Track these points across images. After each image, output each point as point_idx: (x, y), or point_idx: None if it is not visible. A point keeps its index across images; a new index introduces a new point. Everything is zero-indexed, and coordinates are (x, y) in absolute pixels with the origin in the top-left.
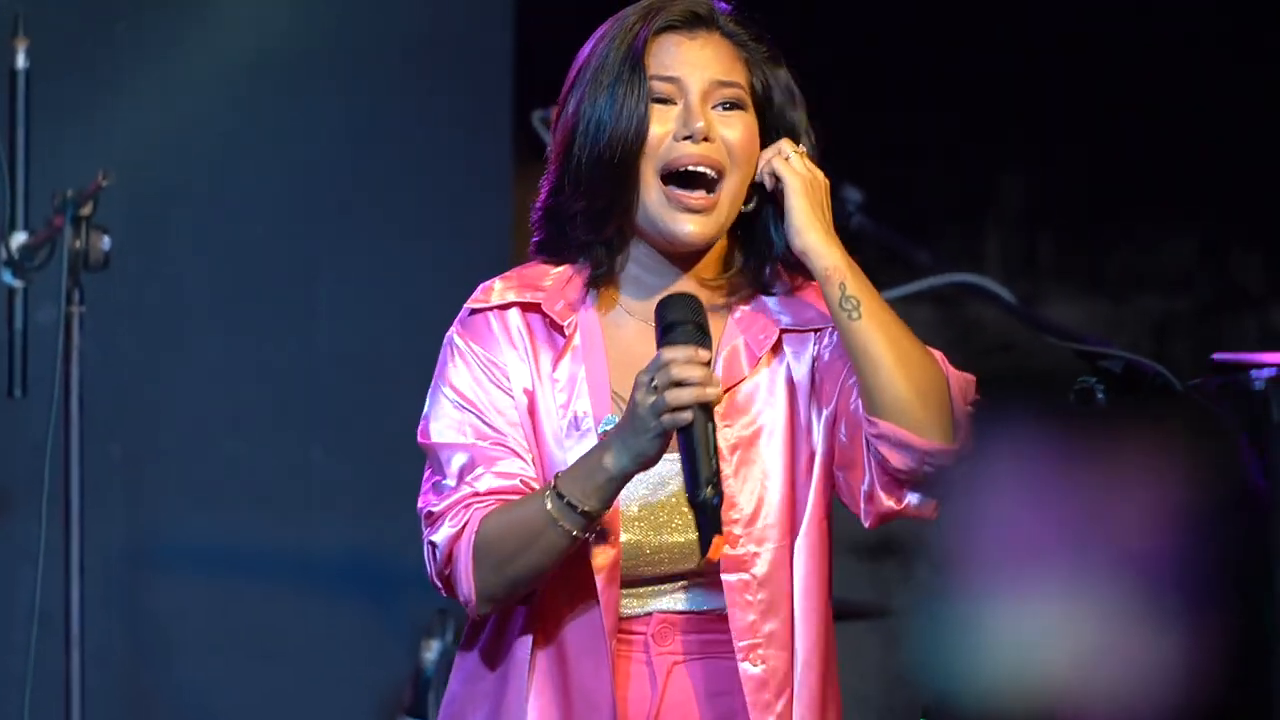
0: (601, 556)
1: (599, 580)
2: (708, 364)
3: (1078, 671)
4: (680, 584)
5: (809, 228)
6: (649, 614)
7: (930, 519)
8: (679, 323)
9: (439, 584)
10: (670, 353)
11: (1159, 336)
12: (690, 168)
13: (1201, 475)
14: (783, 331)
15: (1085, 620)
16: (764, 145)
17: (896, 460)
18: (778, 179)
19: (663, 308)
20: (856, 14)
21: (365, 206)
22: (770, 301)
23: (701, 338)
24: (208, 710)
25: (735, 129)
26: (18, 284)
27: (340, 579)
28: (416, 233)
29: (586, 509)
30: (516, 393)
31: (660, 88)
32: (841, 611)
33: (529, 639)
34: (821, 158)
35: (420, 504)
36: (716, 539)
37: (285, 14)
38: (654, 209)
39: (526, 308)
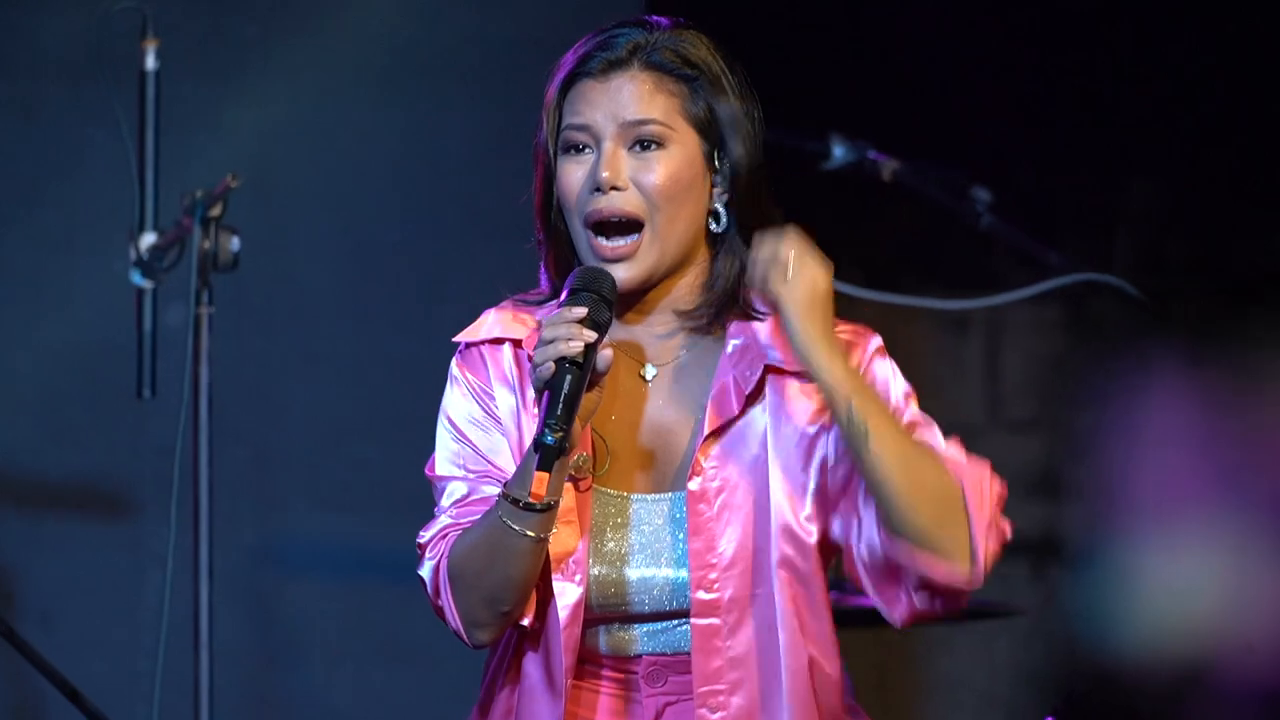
0: (566, 595)
1: (562, 617)
2: (582, 321)
3: (1232, 612)
4: (670, 625)
5: (810, 347)
6: (638, 656)
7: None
8: (573, 289)
9: (446, 623)
10: (549, 318)
11: None
12: (603, 220)
13: None
14: (768, 369)
15: (1240, 567)
16: (717, 161)
17: (917, 593)
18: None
19: (570, 277)
20: (988, 20)
21: (495, 206)
22: (760, 330)
23: (586, 300)
24: (336, 713)
25: (653, 171)
26: (147, 285)
27: None
28: None
29: (528, 502)
30: (507, 425)
31: (573, 136)
32: (971, 611)
33: (500, 674)
34: (944, 167)
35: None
36: (538, 474)
37: (416, 16)
38: (585, 258)
39: (514, 344)
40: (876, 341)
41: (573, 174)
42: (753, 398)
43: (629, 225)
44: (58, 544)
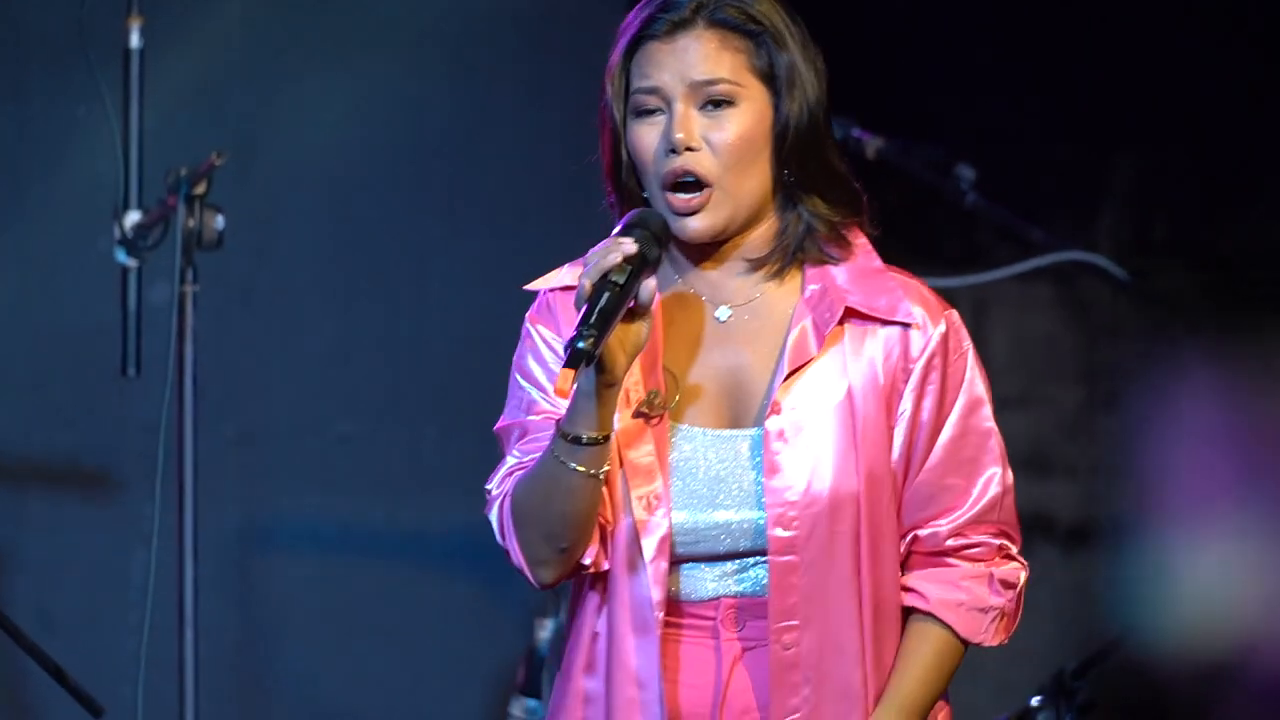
0: (651, 530)
1: (648, 553)
2: (628, 255)
3: (1266, 610)
4: (746, 565)
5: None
6: (717, 599)
7: None
8: (626, 225)
9: (512, 562)
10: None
11: (1276, 313)
12: (677, 180)
13: None
14: (848, 310)
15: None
16: (783, 117)
17: None
18: None
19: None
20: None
21: (479, 188)
22: (837, 273)
23: (637, 234)
24: (321, 691)
25: (723, 129)
26: (131, 263)
27: (454, 559)
28: (530, 215)
29: (578, 434)
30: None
31: (643, 100)
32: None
33: (587, 616)
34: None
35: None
36: (564, 371)
37: None
38: (666, 214)
39: None
40: (958, 326)
41: (646, 136)
42: (832, 339)
43: (699, 185)
44: (43, 522)
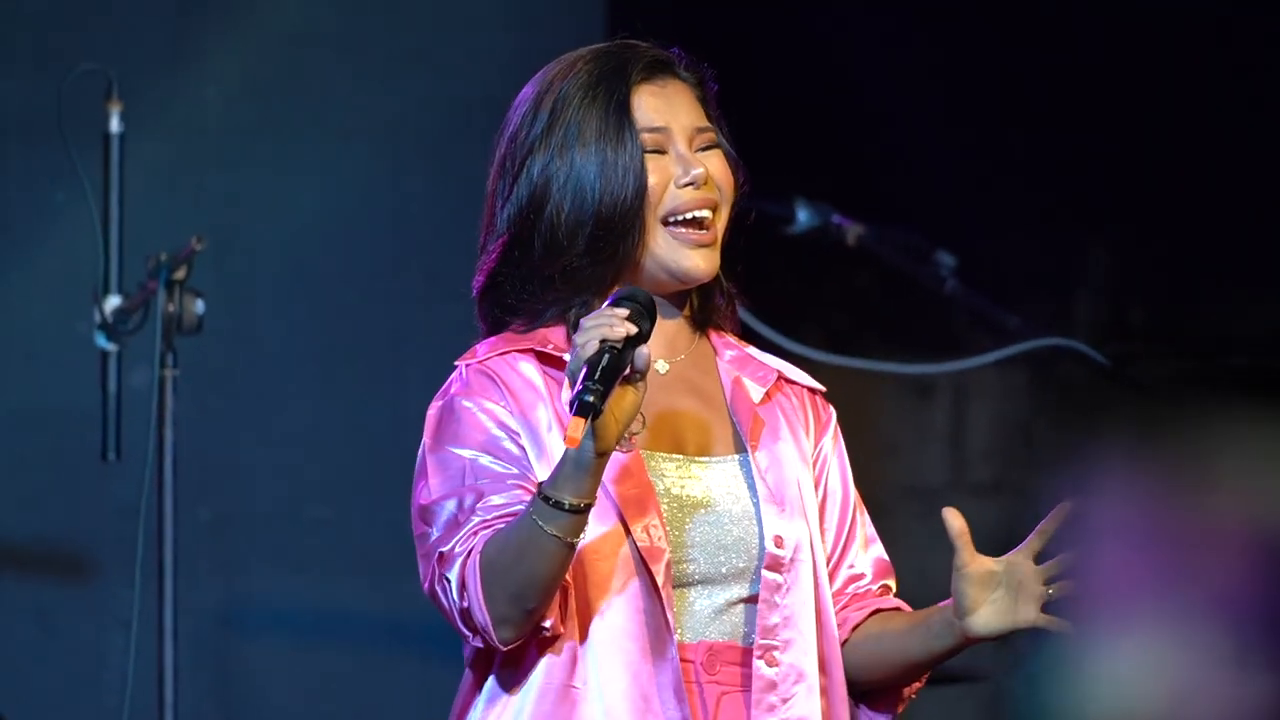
0: (654, 556)
1: (659, 578)
2: (625, 319)
3: (1173, 711)
4: (728, 612)
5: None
6: (698, 642)
7: None
8: (614, 300)
9: (461, 627)
10: (589, 316)
11: (1251, 396)
12: (695, 214)
13: None
14: (781, 378)
15: (1182, 663)
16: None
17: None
18: None
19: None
20: (952, 87)
21: (456, 269)
22: (752, 350)
23: (628, 305)
24: None
25: (719, 168)
26: (112, 347)
27: (430, 643)
28: None
29: (560, 501)
30: (542, 433)
31: (651, 139)
32: (936, 677)
33: (551, 676)
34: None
35: (427, 569)
36: (575, 420)
37: (378, 78)
38: (663, 253)
39: (523, 354)
40: (834, 415)
41: (654, 174)
42: (768, 395)
43: (701, 222)
44: (21, 607)
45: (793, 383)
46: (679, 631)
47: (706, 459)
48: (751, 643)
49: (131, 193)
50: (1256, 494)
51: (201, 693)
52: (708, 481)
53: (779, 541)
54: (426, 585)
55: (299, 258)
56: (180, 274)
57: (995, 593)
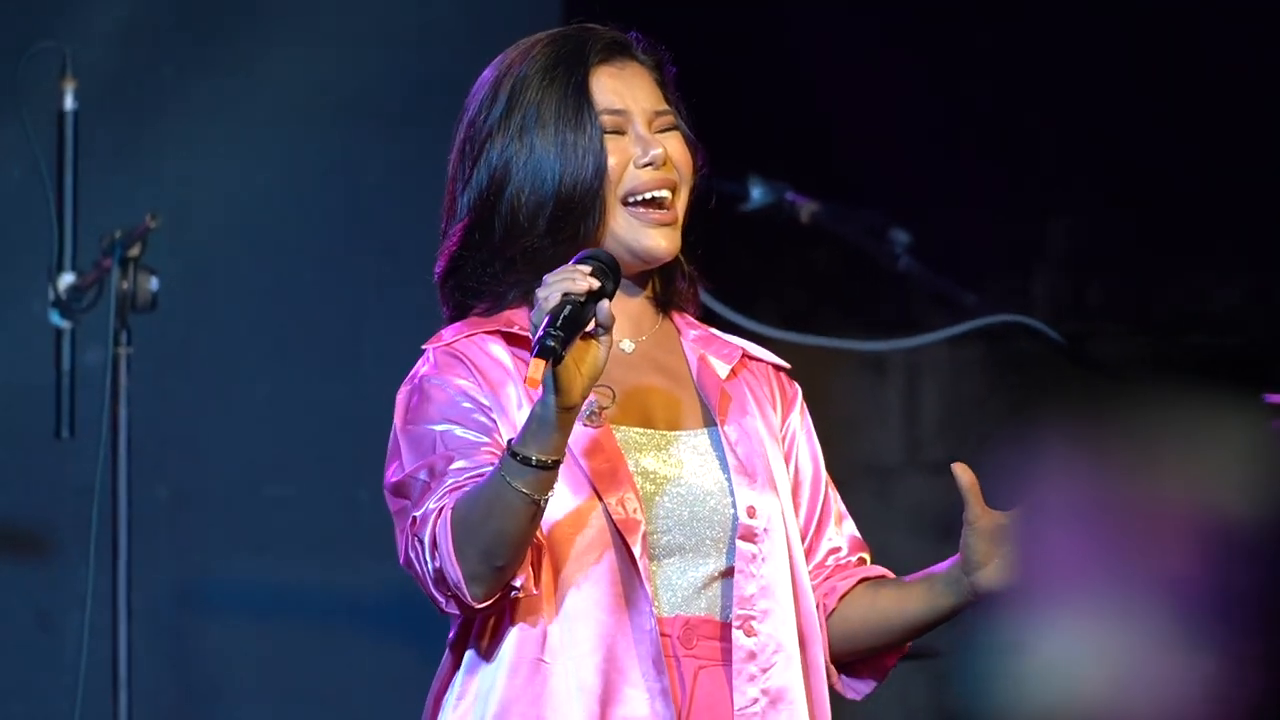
0: (630, 529)
1: (636, 552)
2: (589, 275)
3: (1114, 694)
4: (706, 586)
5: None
6: (674, 616)
7: None
8: (583, 257)
9: (435, 592)
10: (552, 273)
11: (1207, 376)
12: (654, 193)
13: (1248, 496)
14: (745, 356)
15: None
16: None
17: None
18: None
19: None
20: (907, 57)
21: (412, 249)
22: (715, 331)
23: (591, 263)
24: None
25: (678, 149)
26: (66, 325)
27: (388, 622)
28: None
29: (527, 456)
30: (511, 410)
31: (610, 120)
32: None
33: (522, 649)
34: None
35: (402, 539)
36: (535, 361)
37: (333, 57)
38: (624, 233)
39: (490, 335)
40: (799, 392)
41: (613, 155)
42: (734, 371)
43: (660, 201)
44: None
45: (757, 360)
46: (656, 606)
47: (676, 433)
48: (729, 617)
49: (86, 170)
50: (1206, 476)
51: (159, 671)
52: (679, 455)
53: (751, 511)
54: (402, 555)
55: (255, 235)
56: (135, 251)
57: (1005, 547)
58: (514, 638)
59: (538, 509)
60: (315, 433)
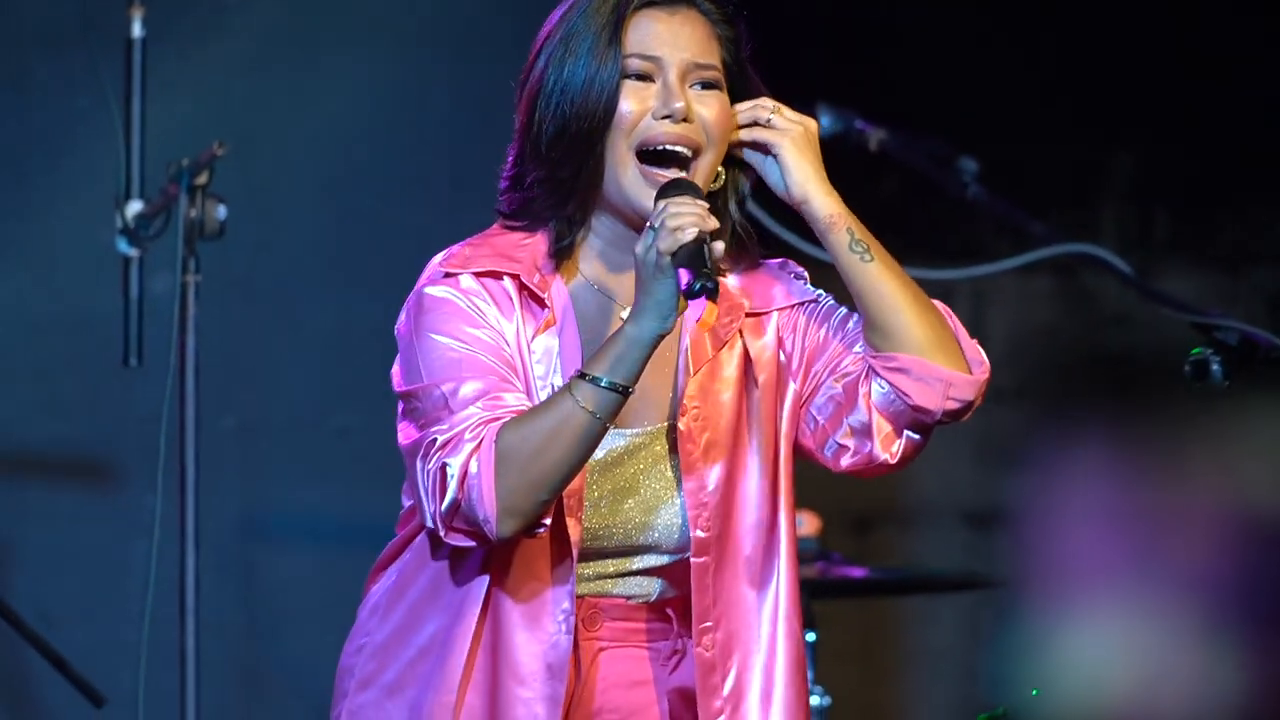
0: (571, 528)
1: (576, 549)
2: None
3: (1143, 691)
4: (619, 570)
5: (809, 177)
6: (581, 598)
7: (893, 469)
8: (672, 186)
9: (442, 517)
10: (664, 200)
11: (1273, 310)
12: (668, 146)
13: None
14: (747, 315)
15: (1152, 641)
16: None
17: (918, 394)
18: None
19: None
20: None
21: (480, 180)
22: (731, 281)
23: (696, 193)
24: (320, 680)
25: (712, 109)
26: (134, 253)
27: None
28: None
29: (614, 381)
30: (516, 349)
31: (639, 65)
32: (954, 581)
33: (478, 603)
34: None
35: (413, 437)
36: (709, 305)
37: None
38: (628, 184)
39: (509, 276)
40: (806, 296)
41: (635, 100)
42: (729, 343)
43: (680, 160)
44: (44, 513)
45: (766, 313)
46: (580, 584)
47: (638, 430)
48: (634, 596)
49: (153, 98)
50: (1234, 472)
51: (224, 599)
52: (638, 455)
53: (702, 524)
54: (413, 462)
55: (322, 162)
56: (202, 179)
57: None
58: (447, 579)
59: (600, 437)
60: (381, 362)
